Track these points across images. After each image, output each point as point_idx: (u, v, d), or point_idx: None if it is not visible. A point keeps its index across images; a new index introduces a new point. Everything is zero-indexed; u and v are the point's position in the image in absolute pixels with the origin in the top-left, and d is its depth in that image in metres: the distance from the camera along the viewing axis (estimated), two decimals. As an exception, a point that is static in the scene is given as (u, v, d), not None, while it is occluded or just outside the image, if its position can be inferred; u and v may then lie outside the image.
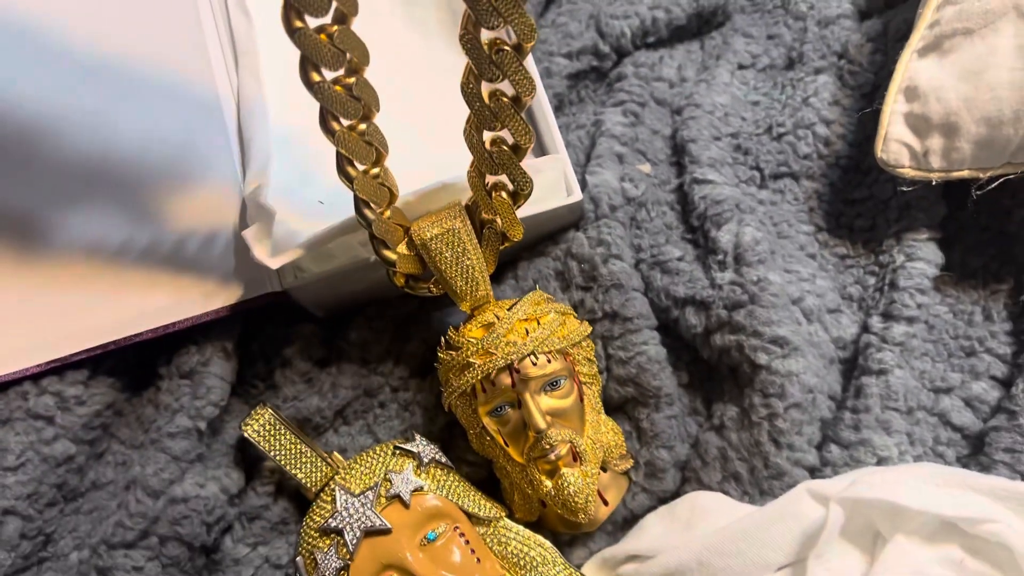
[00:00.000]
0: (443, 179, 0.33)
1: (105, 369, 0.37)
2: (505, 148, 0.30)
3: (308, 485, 0.34)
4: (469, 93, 0.28)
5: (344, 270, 0.35)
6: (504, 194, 0.32)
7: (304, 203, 0.36)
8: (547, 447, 0.31)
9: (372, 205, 0.30)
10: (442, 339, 0.34)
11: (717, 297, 0.35)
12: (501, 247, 0.33)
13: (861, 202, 0.40)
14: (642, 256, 0.38)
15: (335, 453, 0.35)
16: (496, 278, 0.38)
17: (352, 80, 0.27)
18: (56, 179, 0.37)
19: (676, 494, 0.35)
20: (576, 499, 0.31)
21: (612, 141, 0.41)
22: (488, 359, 0.31)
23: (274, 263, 0.34)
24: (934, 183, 0.36)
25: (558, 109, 0.45)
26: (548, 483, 0.32)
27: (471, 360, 0.32)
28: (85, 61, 0.39)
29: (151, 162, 0.37)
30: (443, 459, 0.35)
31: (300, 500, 0.35)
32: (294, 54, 0.41)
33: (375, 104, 0.29)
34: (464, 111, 0.34)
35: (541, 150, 0.40)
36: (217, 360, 0.36)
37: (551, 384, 0.32)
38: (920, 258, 0.37)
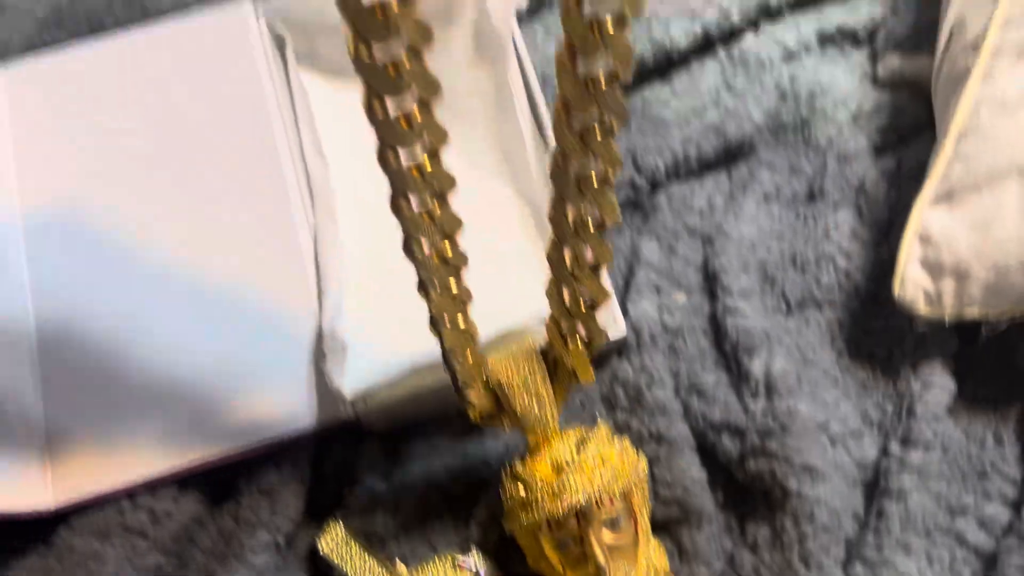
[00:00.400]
0: (507, 325, 0.37)
1: (192, 484, 0.40)
2: (578, 302, 0.33)
3: (374, 597, 0.37)
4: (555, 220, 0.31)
5: (409, 397, 0.39)
6: (580, 344, 0.34)
7: (377, 336, 0.40)
8: None
9: (457, 352, 0.33)
10: (506, 466, 0.36)
11: (751, 424, 0.39)
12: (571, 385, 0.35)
13: (879, 332, 0.44)
14: (680, 382, 0.42)
15: (398, 560, 0.38)
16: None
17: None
18: (153, 311, 0.41)
19: (713, 610, 0.38)
20: None
21: (649, 271, 0.45)
22: (557, 502, 0.33)
23: (350, 394, 0.37)
24: (947, 323, 0.40)
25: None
26: None
27: (539, 499, 0.34)
28: (170, 193, 0.44)
29: (237, 297, 0.41)
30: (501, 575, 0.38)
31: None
32: (367, 192, 0.46)
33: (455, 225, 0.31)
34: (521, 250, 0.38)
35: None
36: (293, 479, 0.39)
37: (612, 522, 0.34)
38: (935, 387, 0.41)
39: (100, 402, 0.40)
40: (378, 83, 0.24)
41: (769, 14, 0.54)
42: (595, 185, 0.29)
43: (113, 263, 0.43)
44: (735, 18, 0.53)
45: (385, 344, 0.39)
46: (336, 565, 0.37)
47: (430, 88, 0.25)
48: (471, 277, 0.42)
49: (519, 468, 0.35)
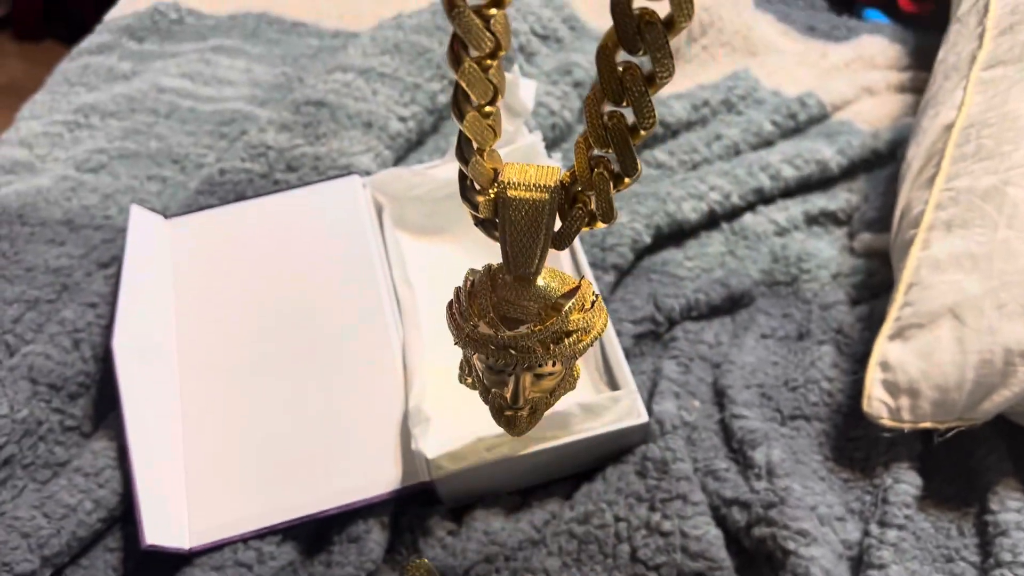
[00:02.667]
0: (554, 408, 0.48)
1: (292, 534, 0.49)
2: (622, 124, 0.27)
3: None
4: (604, 59, 0.26)
5: (472, 468, 0.49)
6: (606, 172, 0.29)
7: (451, 417, 0.51)
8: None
9: (475, 145, 0.28)
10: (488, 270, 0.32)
11: (755, 499, 0.48)
12: (586, 227, 0.30)
13: (857, 439, 0.54)
14: (697, 466, 0.52)
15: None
16: (587, 475, 0.51)
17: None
18: (279, 401, 0.53)
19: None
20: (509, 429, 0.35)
21: (670, 383, 0.56)
22: (500, 355, 0.31)
23: (431, 455, 0.48)
24: (906, 431, 0.50)
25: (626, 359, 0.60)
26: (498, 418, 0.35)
27: (484, 331, 0.31)
28: (299, 314, 0.56)
29: (343, 392, 0.53)
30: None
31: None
32: (441, 312, 0.58)
33: (507, 41, 0.26)
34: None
35: (614, 385, 0.54)
36: (376, 530, 0.48)
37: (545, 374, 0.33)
38: (904, 481, 0.50)
39: (231, 467, 0.51)
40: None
41: (764, 198, 0.69)
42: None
43: (252, 367, 0.54)
44: (736, 200, 0.67)
45: (457, 423, 0.50)
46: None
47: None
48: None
49: (482, 280, 0.32)
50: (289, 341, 0.55)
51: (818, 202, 0.69)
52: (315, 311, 0.57)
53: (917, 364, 0.50)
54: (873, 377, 0.51)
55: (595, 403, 0.51)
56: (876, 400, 0.51)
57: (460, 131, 0.27)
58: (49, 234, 0.65)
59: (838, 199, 0.69)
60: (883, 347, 0.52)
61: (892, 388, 0.50)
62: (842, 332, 0.59)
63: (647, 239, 0.64)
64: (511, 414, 0.35)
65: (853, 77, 0.79)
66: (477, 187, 0.29)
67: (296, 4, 0.87)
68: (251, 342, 0.55)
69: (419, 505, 0.51)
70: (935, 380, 0.49)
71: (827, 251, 0.65)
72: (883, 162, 0.73)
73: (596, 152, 0.28)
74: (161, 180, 0.69)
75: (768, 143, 0.73)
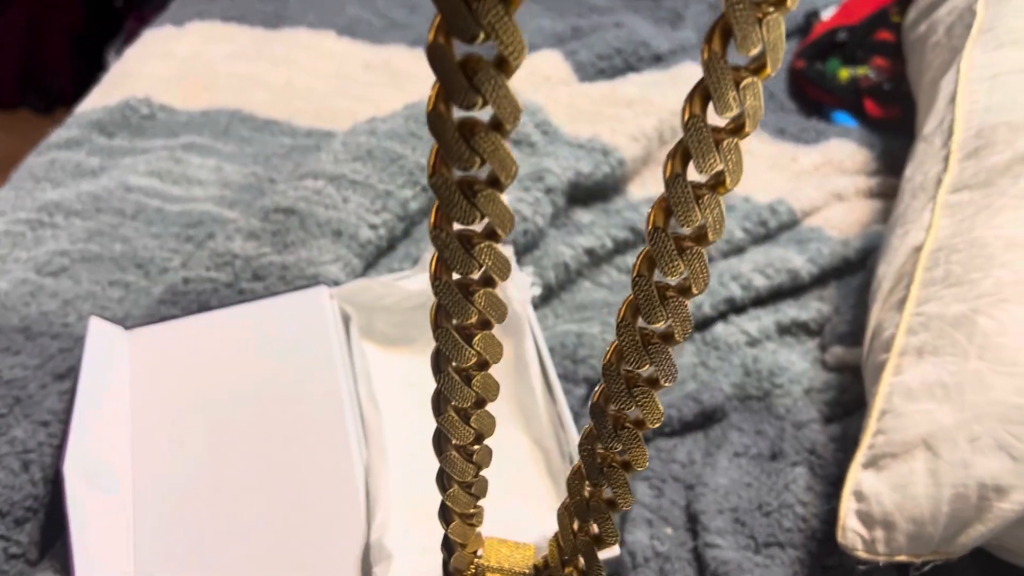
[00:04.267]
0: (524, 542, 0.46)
1: None
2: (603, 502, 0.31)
3: None
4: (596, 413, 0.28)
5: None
6: (589, 537, 0.33)
7: (416, 551, 0.49)
8: None
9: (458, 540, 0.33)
10: None
11: (725, 644, 0.46)
12: None
13: (833, 569, 0.52)
14: (666, 606, 0.50)
15: None
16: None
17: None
18: (230, 530, 0.50)
19: None
20: None
21: (643, 509, 0.54)
22: None
23: None
24: (880, 564, 0.49)
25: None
26: None
27: None
28: (257, 433, 0.54)
29: (300, 519, 0.51)
30: None
31: None
32: (410, 436, 0.56)
33: (489, 429, 0.30)
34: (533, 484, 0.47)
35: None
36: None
37: None
38: (880, 620, 0.49)
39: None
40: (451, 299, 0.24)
41: (735, 308, 0.68)
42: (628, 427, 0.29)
43: (208, 493, 0.52)
44: (707, 309, 0.67)
45: (424, 560, 0.48)
46: None
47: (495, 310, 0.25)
48: (495, 508, 0.52)
49: None
50: (247, 465, 0.53)
51: (789, 312, 0.69)
52: (275, 432, 0.55)
53: (891, 496, 0.49)
54: (847, 507, 0.50)
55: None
56: (851, 531, 0.50)
57: (445, 535, 0.34)
58: (5, 342, 0.63)
59: (809, 309, 0.69)
60: (857, 475, 0.51)
61: (867, 519, 0.49)
62: (815, 453, 0.58)
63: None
64: None
65: (822, 182, 0.80)
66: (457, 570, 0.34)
67: (269, 102, 0.87)
68: (208, 466, 0.53)
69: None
70: (910, 513, 0.48)
71: (799, 364, 0.65)
72: (853, 270, 0.73)
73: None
74: (124, 286, 0.67)
75: (739, 250, 0.73)
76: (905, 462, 0.49)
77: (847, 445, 0.57)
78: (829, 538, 0.54)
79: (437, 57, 0.18)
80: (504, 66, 0.19)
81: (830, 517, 0.54)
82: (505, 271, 0.24)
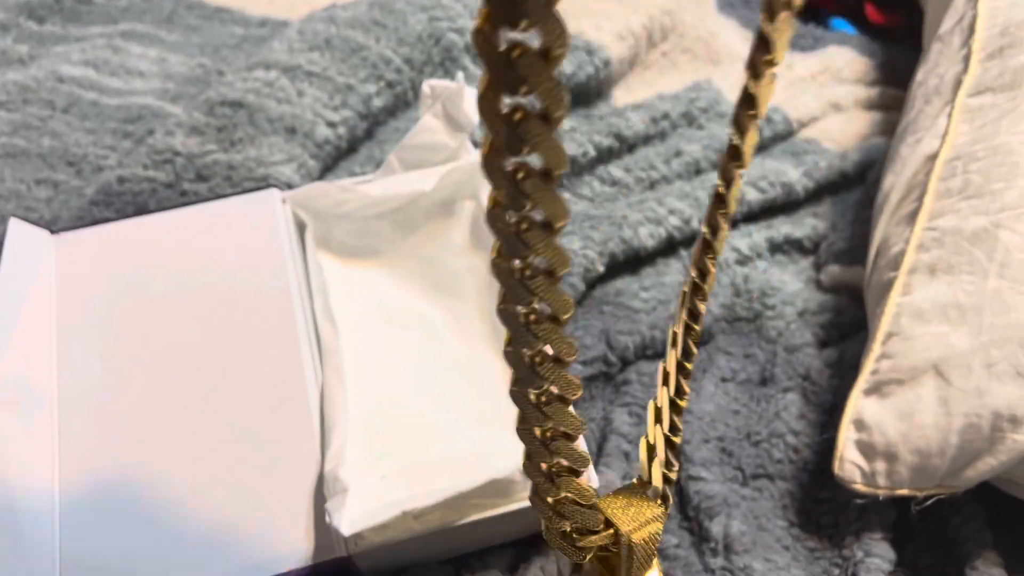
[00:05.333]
0: (493, 475, 0.41)
1: (185, 617, 0.42)
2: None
3: None
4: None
5: (401, 541, 0.43)
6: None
7: (375, 482, 0.44)
8: None
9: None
10: None
11: (711, 583, 0.43)
12: None
13: (826, 502, 0.49)
14: (646, 541, 0.46)
15: None
16: (530, 541, 0.45)
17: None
18: (157, 446, 0.45)
19: None
20: None
21: (620, 439, 0.50)
22: None
23: (348, 531, 0.41)
24: (880, 498, 0.45)
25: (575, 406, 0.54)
26: None
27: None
28: (200, 348, 0.49)
29: (245, 446, 0.45)
30: None
31: None
32: (369, 355, 0.51)
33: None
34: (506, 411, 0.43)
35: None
36: (284, 615, 0.42)
37: None
38: (876, 555, 0.45)
39: (112, 537, 0.43)
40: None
41: (726, 223, 0.63)
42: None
43: (143, 418, 0.47)
44: (696, 224, 0.62)
45: (382, 490, 0.43)
46: None
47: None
48: (463, 430, 0.47)
49: None
50: (187, 386, 0.48)
51: (783, 228, 0.64)
52: (220, 351, 0.49)
53: (896, 425, 0.45)
54: (846, 437, 0.46)
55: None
56: (848, 463, 0.46)
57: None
58: (-85, 245, 0.56)
59: (804, 226, 0.64)
60: (858, 403, 0.47)
61: (867, 450, 0.45)
62: (809, 379, 0.54)
63: (600, 268, 0.59)
64: None
65: (820, 91, 0.74)
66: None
67: (219, -13, 0.79)
68: (142, 385, 0.48)
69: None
70: (915, 444, 0.44)
71: (792, 284, 0.60)
72: (851, 185, 0.68)
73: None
74: (52, 185, 0.60)
75: (731, 161, 0.68)
76: (912, 389, 0.45)
77: (844, 371, 0.53)
78: (822, 470, 0.50)
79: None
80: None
81: (824, 448, 0.50)
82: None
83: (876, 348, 0.47)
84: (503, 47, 0.17)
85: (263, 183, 0.56)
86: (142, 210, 0.55)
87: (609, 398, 0.54)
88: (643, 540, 0.30)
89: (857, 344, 0.54)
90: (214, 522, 0.44)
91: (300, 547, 0.43)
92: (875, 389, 0.46)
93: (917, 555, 0.47)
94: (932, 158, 0.51)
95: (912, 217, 0.50)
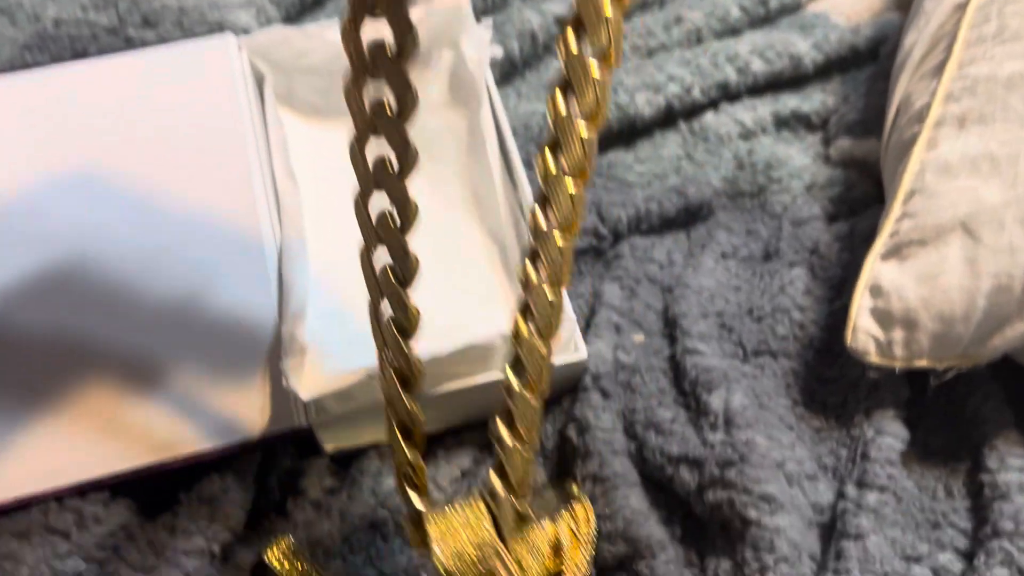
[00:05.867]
0: (469, 341, 0.37)
1: (125, 490, 0.38)
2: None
3: (318, 615, 0.35)
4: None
5: (362, 410, 0.38)
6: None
7: (335, 346, 0.39)
8: None
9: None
10: None
11: (710, 456, 0.39)
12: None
13: (833, 381, 0.45)
14: (636, 417, 0.42)
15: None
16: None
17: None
18: (95, 307, 0.40)
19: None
20: None
21: (611, 312, 0.46)
22: None
23: (306, 396, 0.36)
24: (897, 370, 0.41)
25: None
26: None
27: None
28: (145, 205, 0.43)
29: (196, 305, 0.41)
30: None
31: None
32: (332, 213, 0.46)
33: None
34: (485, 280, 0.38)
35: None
36: (236, 488, 0.37)
37: None
38: (888, 433, 0.41)
39: (43, 400, 0.38)
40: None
41: (728, 95, 0.58)
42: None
43: (82, 271, 0.42)
44: (697, 94, 0.56)
45: (345, 355, 0.39)
46: (281, 578, 0.35)
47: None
48: (439, 298, 0.42)
49: None
50: (133, 245, 0.43)
51: (790, 102, 0.59)
52: (169, 206, 0.44)
53: (917, 289, 0.40)
54: (860, 304, 0.42)
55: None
56: (863, 332, 0.42)
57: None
58: None
59: (812, 100, 0.59)
60: (875, 268, 0.42)
61: (884, 318, 0.41)
62: (817, 252, 0.49)
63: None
64: None
65: (830, -37, 0.68)
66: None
67: None
68: (82, 243, 0.43)
69: (295, 457, 0.40)
70: (938, 309, 0.40)
71: (800, 159, 0.55)
72: (861, 62, 0.62)
73: None
74: (-17, 36, 0.54)
75: (734, 31, 0.62)
76: (936, 249, 0.40)
77: (855, 244, 0.49)
78: (829, 347, 0.46)
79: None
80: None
81: (832, 324, 0.46)
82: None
83: (896, 208, 0.43)
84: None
85: (216, 27, 0.50)
86: (81, 57, 0.49)
87: (599, 273, 0.50)
88: None
89: (870, 218, 0.49)
90: (158, 386, 0.39)
91: (255, 415, 0.39)
92: (894, 252, 0.42)
93: (929, 436, 0.43)
94: (962, 6, 0.46)
95: (939, 69, 0.45)
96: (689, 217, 0.53)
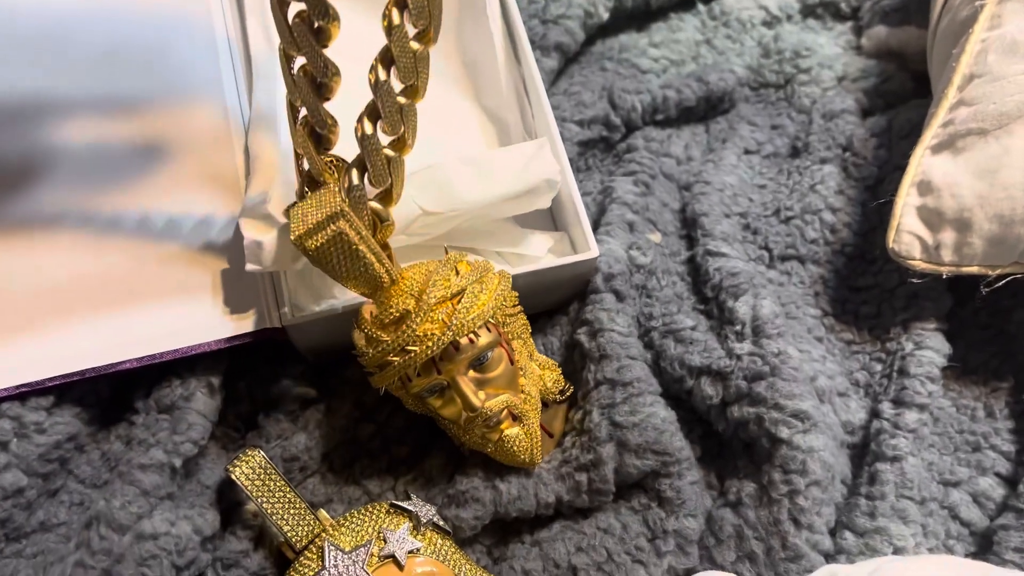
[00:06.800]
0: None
1: (72, 397, 0.33)
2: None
3: (293, 539, 0.31)
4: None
5: (342, 311, 0.33)
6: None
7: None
8: (488, 418, 0.31)
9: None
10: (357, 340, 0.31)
11: (736, 367, 0.34)
12: (384, 224, 0.30)
13: (866, 290, 0.40)
14: (653, 324, 0.37)
15: (321, 511, 0.32)
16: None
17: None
18: (47, 183, 0.35)
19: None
20: (520, 455, 0.32)
21: (624, 208, 0.41)
22: (407, 359, 0.29)
23: (273, 266, 0.32)
24: (944, 276, 0.37)
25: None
26: (491, 443, 0.32)
27: (389, 359, 0.30)
28: (87, 67, 0.37)
29: (153, 188, 0.35)
30: (441, 523, 0.32)
31: (282, 555, 0.32)
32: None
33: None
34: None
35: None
36: (201, 396, 0.33)
37: (479, 360, 0.31)
38: (929, 347, 0.37)
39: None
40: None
41: (751, -24, 0.52)
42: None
43: (42, 154, 0.36)
44: (718, -29, 0.50)
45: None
46: (251, 497, 0.31)
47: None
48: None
49: (362, 338, 0.31)
50: (87, 100, 0.37)
51: (818, -12, 0.53)
52: (126, 62, 0.38)
53: (973, 185, 0.36)
54: (905, 202, 0.37)
55: (526, 233, 0.36)
56: (907, 234, 0.37)
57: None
58: None
59: (843, -14, 0.53)
60: (924, 162, 0.37)
61: (932, 218, 0.37)
62: (851, 149, 0.44)
63: (603, 15, 0.48)
64: (497, 436, 0.32)
65: None
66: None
67: None
68: (37, 118, 0.37)
69: (266, 364, 0.35)
70: (996, 208, 0.35)
71: (829, 47, 0.50)
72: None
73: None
74: None
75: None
76: (998, 140, 0.36)
77: (893, 140, 0.44)
78: (863, 253, 0.41)
79: None
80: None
81: (866, 227, 0.42)
82: None
83: (950, 95, 0.38)
84: None
85: None
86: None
87: (609, 168, 0.45)
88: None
89: (911, 111, 0.44)
90: (111, 279, 0.34)
91: (223, 316, 0.34)
92: (947, 144, 0.37)
93: (968, 351, 0.39)
94: None
95: (1005, -63, 0.39)
96: (709, 109, 0.47)
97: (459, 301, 0.30)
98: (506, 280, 0.32)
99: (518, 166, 0.35)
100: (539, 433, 0.33)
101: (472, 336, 0.30)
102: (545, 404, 0.35)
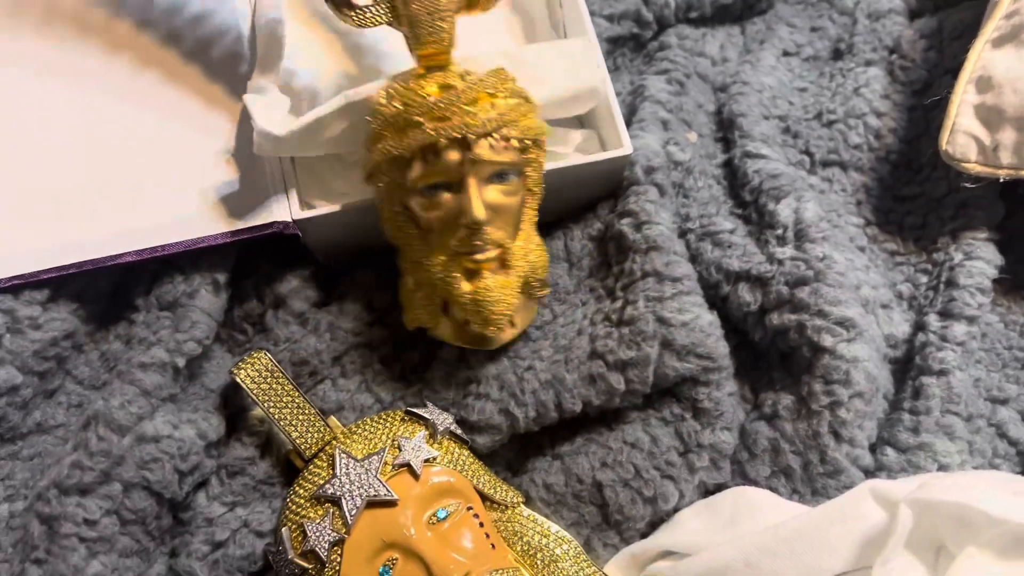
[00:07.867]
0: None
1: (69, 292, 0.31)
2: None
3: (302, 446, 0.29)
4: None
5: (356, 207, 0.31)
6: None
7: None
8: (478, 244, 0.28)
9: None
10: (382, 91, 0.28)
11: (777, 272, 0.32)
12: None
13: (912, 199, 0.38)
14: (690, 226, 0.35)
15: (332, 418, 0.30)
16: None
17: None
18: (43, 72, 0.32)
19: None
20: (492, 308, 0.29)
21: (657, 107, 0.38)
22: (441, 125, 0.27)
23: (279, 129, 0.29)
24: (1001, 180, 0.34)
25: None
26: (467, 285, 0.29)
27: (419, 119, 0.27)
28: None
29: (151, 59, 0.33)
30: (459, 431, 0.30)
31: (290, 463, 0.30)
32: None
33: None
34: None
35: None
36: (205, 293, 0.31)
37: (500, 175, 0.28)
38: (980, 257, 0.35)
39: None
40: None
41: None
42: None
43: (36, 53, 0.34)
44: None
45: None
46: (257, 402, 0.29)
47: None
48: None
49: (400, 86, 0.28)
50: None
51: None
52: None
53: (1039, 82, 0.33)
54: (962, 100, 0.35)
55: (554, 129, 0.34)
56: (962, 134, 0.34)
57: None
58: None
59: None
60: (984, 56, 0.35)
61: (991, 116, 0.34)
62: (898, 51, 0.41)
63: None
64: (473, 287, 0.29)
65: None
66: None
67: None
68: (34, 26, 0.34)
69: (275, 264, 0.33)
70: (1063, 107, 0.33)
71: (875, -55, 0.47)
72: None
73: None
74: None
75: None
76: (1071, 31, 0.33)
77: (944, 42, 0.41)
78: (910, 161, 0.39)
79: None
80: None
81: (913, 132, 0.39)
82: None
83: (1017, -16, 0.35)
84: None
85: None
86: None
87: (640, 68, 0.42)
88: None
89: (963, 11, 0.41)
90: (118, 169, 0.32)
91: (230, 208, 0.32)
92: (1011, 36, 0.34)
93: (1017, 265, 0.36)
94: None
95: None
96: (745, 8, 0.44)
97: (507, 101, 0.28)
98: (546, 128, 0.30)
99: (564, 67, 0.33)
100: (520, 302, 0.30)
101: (507, 144, 0.28)
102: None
